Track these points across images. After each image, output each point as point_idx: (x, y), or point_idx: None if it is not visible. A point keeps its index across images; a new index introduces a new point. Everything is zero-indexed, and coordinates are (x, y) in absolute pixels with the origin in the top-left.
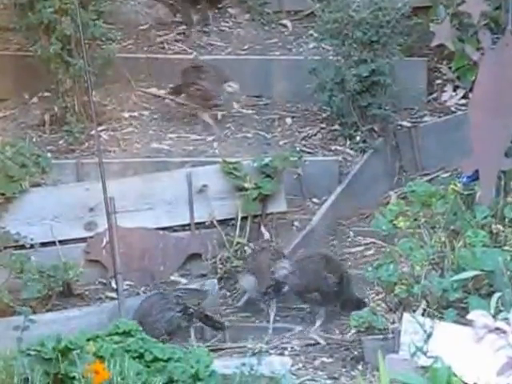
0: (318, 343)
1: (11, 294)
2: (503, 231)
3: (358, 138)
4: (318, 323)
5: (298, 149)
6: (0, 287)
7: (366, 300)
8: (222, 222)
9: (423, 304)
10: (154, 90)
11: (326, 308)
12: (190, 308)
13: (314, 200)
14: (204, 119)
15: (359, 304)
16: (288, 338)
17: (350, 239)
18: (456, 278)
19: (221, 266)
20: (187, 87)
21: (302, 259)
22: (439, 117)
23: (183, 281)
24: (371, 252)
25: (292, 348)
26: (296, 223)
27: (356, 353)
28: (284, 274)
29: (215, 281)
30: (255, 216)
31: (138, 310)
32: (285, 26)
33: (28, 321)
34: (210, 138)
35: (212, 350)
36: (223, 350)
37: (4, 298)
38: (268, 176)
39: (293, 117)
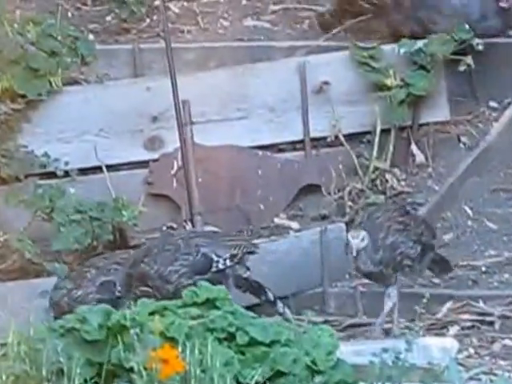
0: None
1: (37, 244)
2: None
3: None
4: None
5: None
6: (19, 235)
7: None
8: (351, 136)
9: None
10: None
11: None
12: None
13: (492, 104)
14: None
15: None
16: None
17: None
18: None
19: (350, 203)
20: None
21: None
22: None
23: (294, 225)
24: None
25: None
26: (464, 139)
27: None
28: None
29: (342, 226)
30: (402, 128)
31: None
32: None
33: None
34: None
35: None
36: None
37: (26, 249)
38: (422, 68)
39: None
